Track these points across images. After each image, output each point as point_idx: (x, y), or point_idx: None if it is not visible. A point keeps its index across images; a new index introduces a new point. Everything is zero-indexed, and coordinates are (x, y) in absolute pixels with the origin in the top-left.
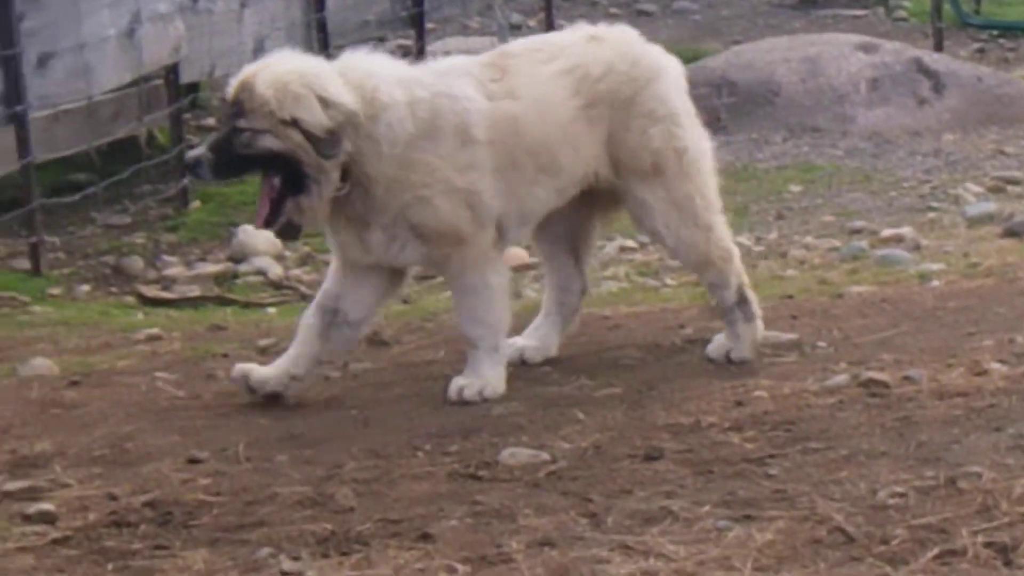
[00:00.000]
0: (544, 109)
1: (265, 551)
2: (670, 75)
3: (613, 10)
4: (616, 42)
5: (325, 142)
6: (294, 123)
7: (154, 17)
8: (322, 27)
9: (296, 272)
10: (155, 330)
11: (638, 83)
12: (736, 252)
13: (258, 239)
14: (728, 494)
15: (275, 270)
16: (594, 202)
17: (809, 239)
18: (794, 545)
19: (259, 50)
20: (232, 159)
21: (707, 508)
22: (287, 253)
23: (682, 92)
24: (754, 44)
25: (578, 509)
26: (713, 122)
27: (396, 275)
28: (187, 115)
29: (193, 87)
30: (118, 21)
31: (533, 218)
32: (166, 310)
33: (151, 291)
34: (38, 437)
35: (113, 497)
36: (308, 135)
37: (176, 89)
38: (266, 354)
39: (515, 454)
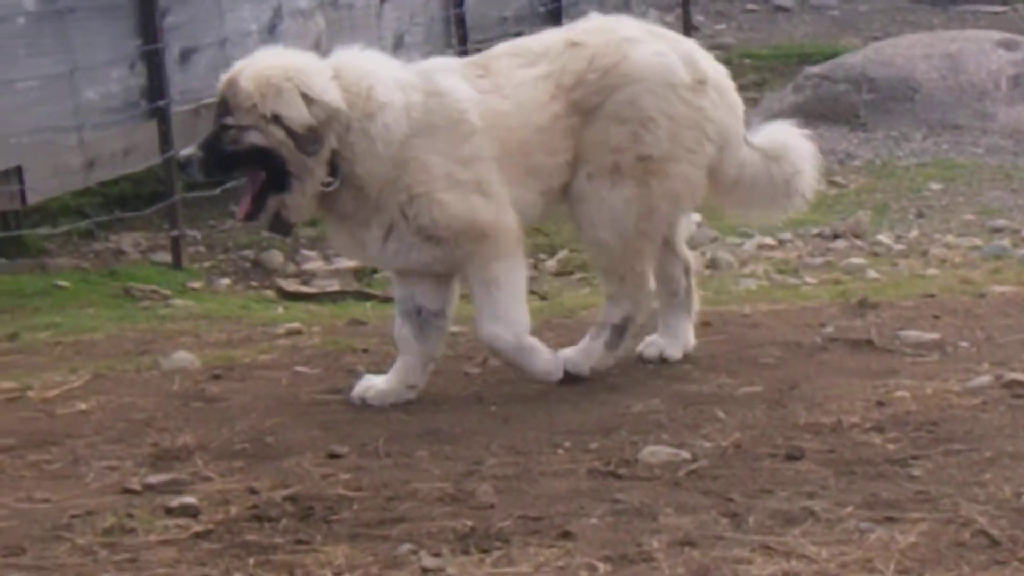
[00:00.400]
0: (526, 111)
1: (406, 547)
2: (648, 81)
3: (750, 6)
4: (594, 48)
5: (306, 139)
6: (276, 119)
7: (295, 12)
8: (461, 22)
9: None
10: (295, 324)
11: (607, 91)
12: (649, 286)
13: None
14: (870, 495)
15: None
16: None
17: (950, 237)
18: (937, 548)
19: (398, 45)
20: (221, 157)
21: (849, 509)
22: None
23: (667, 100)
24: (893, 40)
25: (719, 508)
26: (852, 119)
27: None
28: None
29: None
30: (260, 16)
31: (525, 222)
32: (306, 304)
33: (291, 285)
34: (180, 430)
35: (254, 491)
36: (289, 131)
37: None
38: None
39: (655, 452)
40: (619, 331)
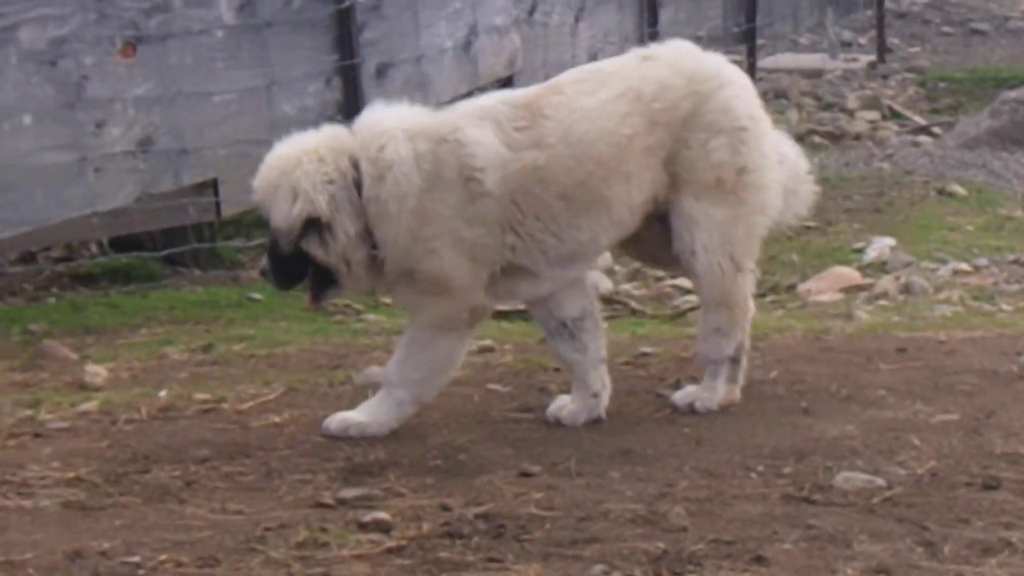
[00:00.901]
0: (582, 151)
1: (598, 568)
2: (734, 86)
3: (946, 28)
4: (670, 58)
5: (284, 236)
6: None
7: (490, 30)
8: (654, 41)
9: (626, 287)
10: (487, 342)
11: (698, 96)
12: (752, 310)
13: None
14: None
15: (605, 284)
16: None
17: None
18: None
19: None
20: (282, 264)
21: None
22: (617, 268)
23: (748, 103)
24: None
25: (914, 537)
26: None
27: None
28: None
29: None
30: (455, 33)
31: (584, 255)
32: (498, 322)
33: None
34: (372, 445)
35: (446, 508)
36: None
37: None
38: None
39: (849, 479)
40: (735, 362)
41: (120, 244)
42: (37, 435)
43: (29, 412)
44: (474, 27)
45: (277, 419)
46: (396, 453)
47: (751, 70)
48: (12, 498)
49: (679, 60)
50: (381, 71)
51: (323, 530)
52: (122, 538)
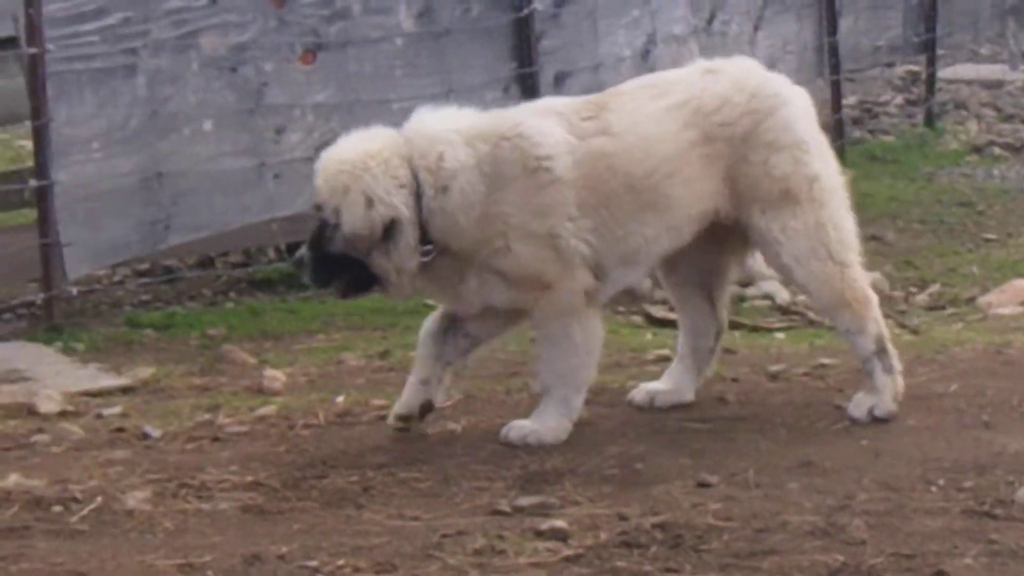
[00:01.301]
0: (648, 145)
1: None
2: (794, 104)
3: None
4: (733, 74)
5: (352, 241)
6: (337, 220)
7: (668, 39)
8: (834, 51)
9: (802, 298)
10: (664, 351)
11: (758, 114)
12: (874, 298)
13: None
14: None
15: (782, 295)
16: (724, 241)
17: None
18: None
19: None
20: (323, 259)
21: None
22: None
23: (809, 122)
24: None
25: None
26: None
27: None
28: None
29: None
30: (633, 42)
31: (643, 258)
32: (674, 331)
33: (659, 312)
34: (549, 453)
35: (623, 517)
36: (343, 234)
37: None
38: (777, 379)
39: None
40: (882, 352)
41: (298, 250)
42: (216, 439)
43: (208, 416)
44: (652, 36)
45: (454, 426)
46: (573, 461)
47: (931, 80)
48: (191, 501)
49: (742, 77)
50: (559, 79)
51: (500, 537)
52: (300, 543)
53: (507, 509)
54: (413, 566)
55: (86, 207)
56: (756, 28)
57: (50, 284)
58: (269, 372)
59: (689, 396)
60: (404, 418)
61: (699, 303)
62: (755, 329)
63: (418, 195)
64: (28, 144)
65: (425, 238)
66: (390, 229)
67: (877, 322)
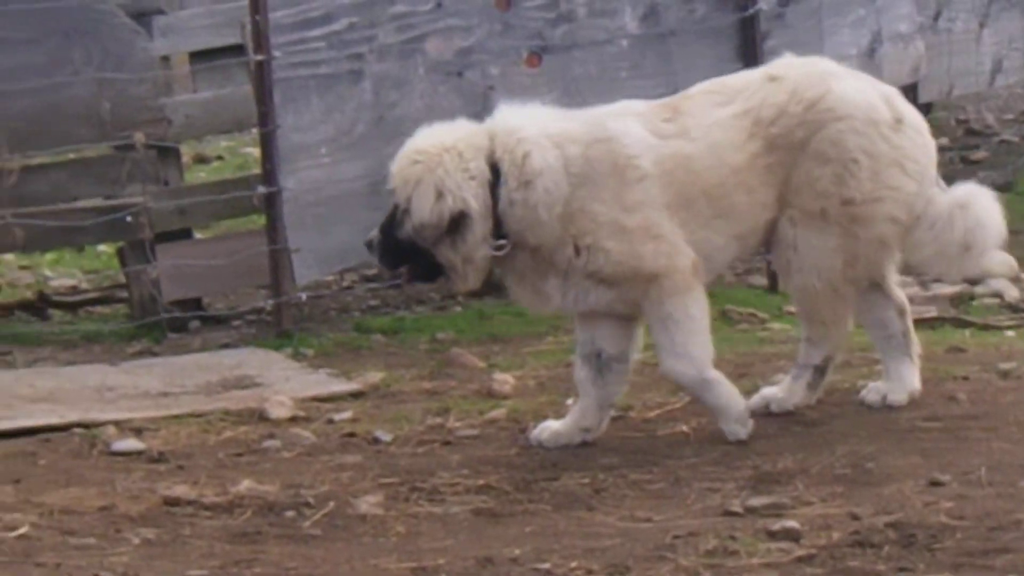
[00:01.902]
0: (720, 152)
1: None
2: (851, 119)
3: None
4: (794, 82)
5: (423, 236)
6: (406, 211)
7: (894, 37)
8: None
9: None
10: None
11: (812, 126)
12: (848, 332)
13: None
14: None
15: (1012, 292)
16: None
17: None
18: None
19: (996, 71)
20: (394, 243)
21: None
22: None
23: (866, 139)
24: None
25: None
26: None
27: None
28: None
29: (928, 106)
30: (859, 41)
31: (713, 268)
32: None
33: None
34: (780, 454)
35: (855, 517)
36: (412, 224)
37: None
38: (1007, 378)
39: None
40: (820, 371)
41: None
42: (446, 443)
43: (439, 420)
44: (878, 34)
45: (684, 428)
46: (804, 462)
47: None
48: (423, 505)
49: (801, 86)
50: None
51: (732, 538)
52: (532, 545)
53: (739, 510)
54: (645, 567)
55: (314, 213)
56: (982, 25)
57: (279, 290)
58: (498, 375)
59: (917, 383)
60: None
61: (869, 293)
62: (985, 327)
63: (493, 187)
64: (255, 151)
65: (499, 232)
66: (458, 221)
67: (835, 347)
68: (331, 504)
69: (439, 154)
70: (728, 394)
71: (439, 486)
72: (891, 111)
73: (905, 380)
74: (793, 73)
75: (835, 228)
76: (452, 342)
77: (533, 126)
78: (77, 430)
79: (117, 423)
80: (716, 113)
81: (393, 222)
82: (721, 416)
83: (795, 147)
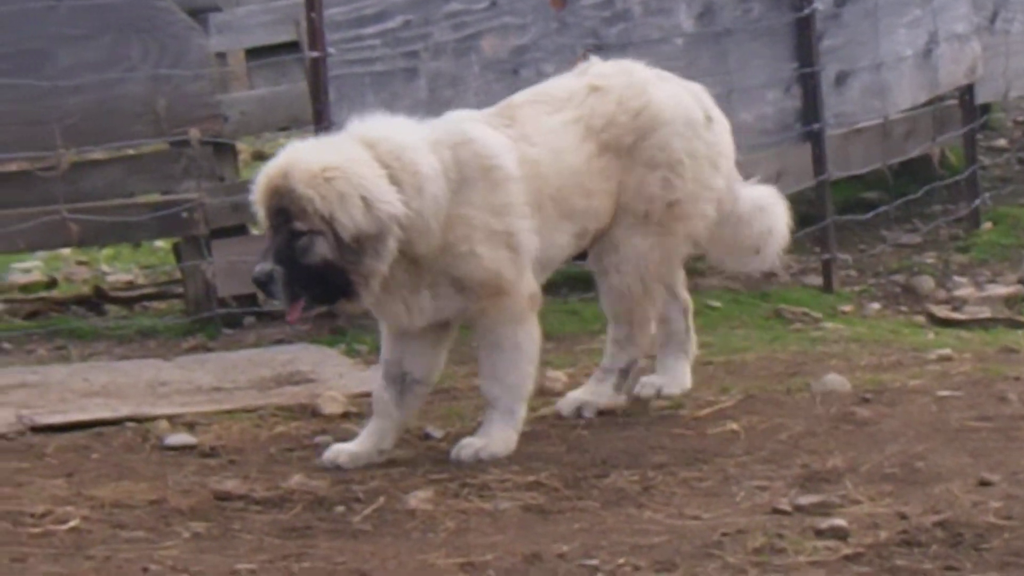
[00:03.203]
0: (560, 156)
1: None
2: (676, 122)
3: None
4: (619, 92)
5: (351, 249)
6: (330, 225)
7: (951, 37)
8: None
9: None
10: (946, 351)
11: (639, 132)
12: (652, 332)
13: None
14: None
15: None
16: None
17: None
18: None
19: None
20: (299, 270)
21: None
22: None
23: (689, 139)
24: None
25: None
26: None
27: (443, 327)
28: (979, 136)
29: (986, 107)
30: (915, 41)
31: (552, 266)
32: (956, 331)
33: (941, 311)
34: (830, 453)
35: (903, 516)
36: (337, 239)
37: (970, 109)
38: None
39: None
40: (624, 374)
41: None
42: None
43: None
44: (934, 34)
45: (734, 426)
46: (853, 460)
47: None
48: (473, 500)
49: (625, 96)
50: (840, 79)
51: (780, 536)
52: (580, 541)
53: (787, 508)
54: (692, 564)
55: None
56: None
57: None
58: (551, 373)
59: (688, 381)
60: (342, 470)
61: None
62: None
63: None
64: None
65: None
66: (386, 229)
67: (640, 349)
68: (381, 499)
69: (346, 166)
70: (504, 438)
71: (489, 482)
72: (702, 109)
73: (679, 376)
74: (615, 83)
75: (655, 228)
76: None
77: (408, 135)
78: (130, 424)
79: (170, 418)
80: (549, 121)
81: (294, 249)
82: (489, 438)
83: (624, 152)
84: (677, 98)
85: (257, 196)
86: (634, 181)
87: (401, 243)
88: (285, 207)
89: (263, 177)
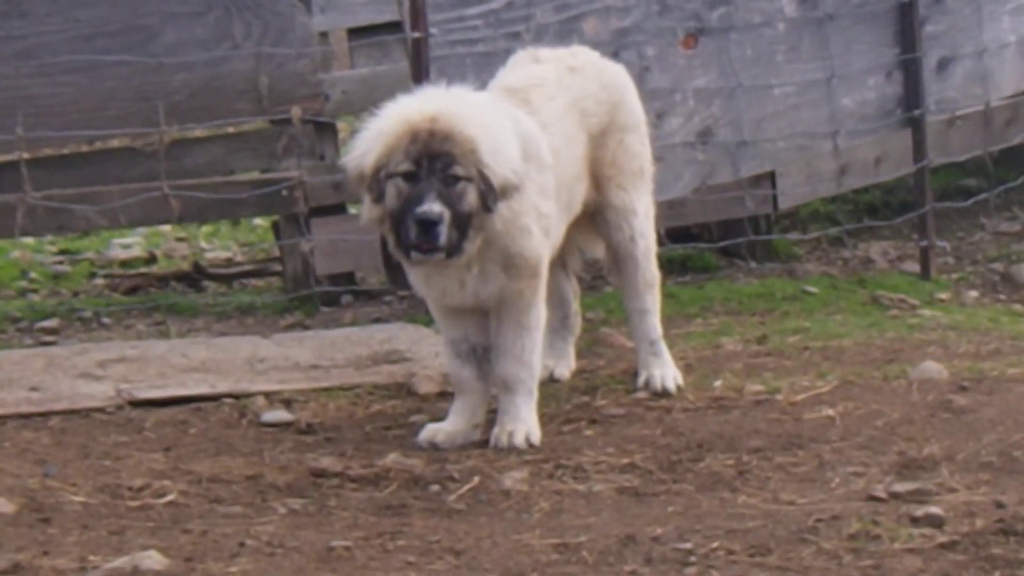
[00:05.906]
0: (570, 144)
1: None
2: (633, 89)
3: None
4: (598, 70)
5: (493, 199)
6: (482, 173)
7: None
8: None
9: None
10: None
11: (612, 102)
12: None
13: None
14: None
15: None
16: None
17: None
18: None
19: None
20: (461, 216)
21: None
22: None
23: (639, 103)
24: None
25: None
26: None
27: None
28: None
29: None
30: (1018, 28)
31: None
32: None
33: None
34: (927, 440)
35: (1000, 505)
36: (489, 187)
37: None
38: None
39: None
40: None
41: (676, 235)
42: (593, 421)
43: (586, 398)
44: None
45: (830, 411)
46: (950, 449)
47: None
48: (568, 482)
49: (598, 71)
50: (942, 65)
51: (875, 523)
52: (674, 524)
53: (883, 495)
54: (787, 550)
55: None
56: None
57: None
58: None
59: (573, 363)
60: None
61: (557, 272)
62: None
63: None
64: None
65: None
66: (523, 184)
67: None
68: (476, 479)
69: (498, 117)
70: (535, 420)
71: (584, 464)
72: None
73: (568, 357)
74: (583, 60)
75: (647, 185)
76: (601, 322)
77: (496, 103)
78: (228, 400)
79: (267, 394)
80: (552, 106)
81: (452, 193)
82: (525, 423)
83: (600, 128)
84: (619, 67)
85: (391, 141)
86: (613, 146)
87: None
88: (447, 151)
89: (400, 121)
